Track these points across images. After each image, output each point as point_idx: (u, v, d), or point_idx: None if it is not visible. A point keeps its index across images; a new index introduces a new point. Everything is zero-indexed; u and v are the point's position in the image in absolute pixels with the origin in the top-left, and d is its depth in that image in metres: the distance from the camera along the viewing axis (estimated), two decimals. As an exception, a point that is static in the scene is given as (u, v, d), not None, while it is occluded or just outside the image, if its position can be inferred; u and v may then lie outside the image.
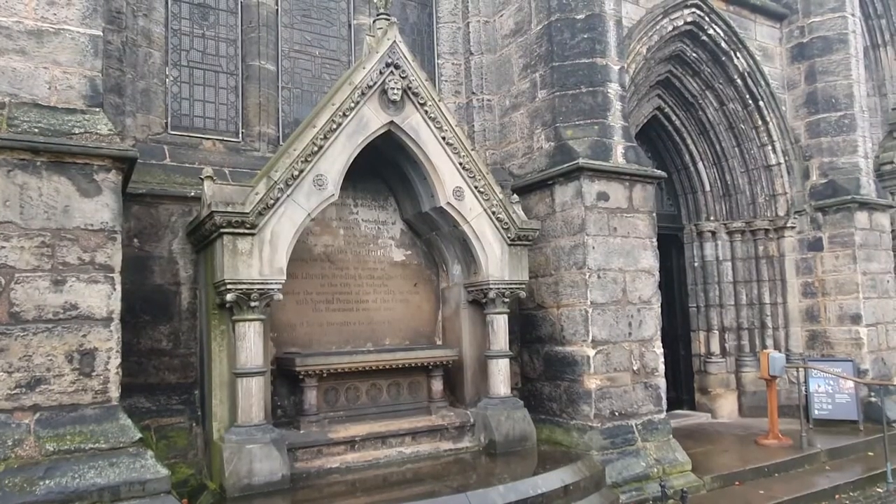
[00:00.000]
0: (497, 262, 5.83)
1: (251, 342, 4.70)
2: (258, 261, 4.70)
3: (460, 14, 7.54)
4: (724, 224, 9.50)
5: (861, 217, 8.81)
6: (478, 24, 7.46)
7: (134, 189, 5.07)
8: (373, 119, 5.28)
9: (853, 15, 8.96)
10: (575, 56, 6.51)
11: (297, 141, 4.97)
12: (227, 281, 4.60)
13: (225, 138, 6.27)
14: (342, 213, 5.97)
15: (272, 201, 4.76)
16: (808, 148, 9.11)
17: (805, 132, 9.12)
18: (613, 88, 6.53)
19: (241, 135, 6.37)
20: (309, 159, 4.95)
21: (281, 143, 6.31)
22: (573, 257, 6.28)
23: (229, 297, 4.62)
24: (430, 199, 5.76)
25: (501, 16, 7.36)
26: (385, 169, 5.97)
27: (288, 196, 4.85)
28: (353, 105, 5.13)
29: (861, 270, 8.74)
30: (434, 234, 6.14)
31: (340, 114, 5.07)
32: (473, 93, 7.45)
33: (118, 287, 4.09)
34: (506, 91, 7.30)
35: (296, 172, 4.88)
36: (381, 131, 5.35)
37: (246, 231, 4.66)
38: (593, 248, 6.21)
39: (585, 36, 6.49)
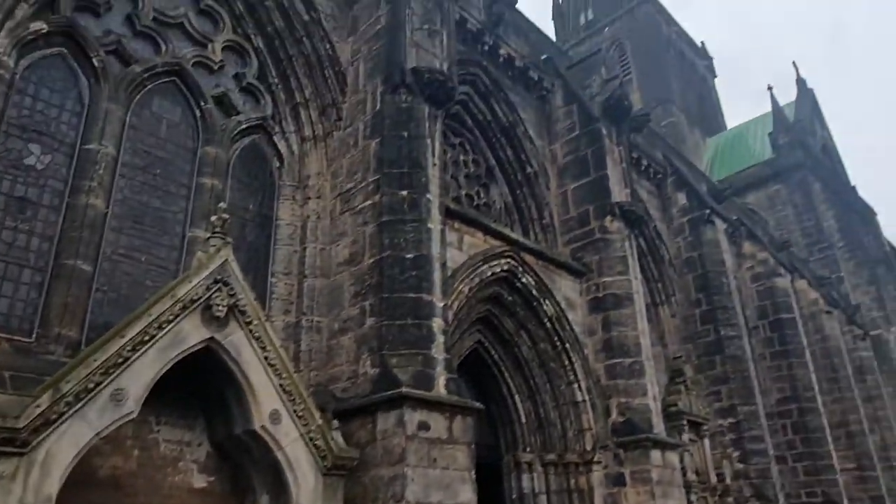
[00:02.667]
0: (310, 493, 5.45)
1: None
2: (21, 487, 3.99)
3: (298, 239, 7.89)
4: (540, 456, 9.80)
5: (656, 455, 9.55)
6: (314, 249, 7.81)
7: None
8: (192, 334, 5.07)
9: (636, 278, 10.66)
10: (403, 290, 6.94)
11: (99, 350, 4.59)
12: (-28, 513, 3.80)
13: (16, 337, 5.61)
14: (141, 431, 5.37)
15: (55, 416, 4.21)
16: (607, 388, 10.04)
17: (604, 374, 10.11)
18: (437, 323, 6.95)
19: (35, 335, 5.75)
20: (110, 371, 4.54)
21: (83, 347, 5.76)
22: (392, 489, 6.04)
23: (-30, 534, 3.79)
24: (244, 420, 5.43)
25: (338, 245, 7.81)
26: (198, 385, 5.61)
27: (76, 411, 4.32)
28: (172, 318, 4.93)
29: (660, 507, 9.24)
30: (245, 459, 5.69)
31: (156, 326, 4.83)
32: (304, 313, 7.53)
33: None
34: (335, 314, 7.46)
35: (91, 385, 4.42)
36: (199, 347, 5.13)
37: (14, 450, 4.00)
38: (413, 479, 6.05)
39: (414, 273, 7.01)
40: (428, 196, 7.47)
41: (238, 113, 7.93)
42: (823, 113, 33.08)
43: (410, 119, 7.69)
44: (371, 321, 6.98)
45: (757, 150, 29.33)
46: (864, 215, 27.60)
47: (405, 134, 7.60)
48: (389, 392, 6.33)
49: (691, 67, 37.02)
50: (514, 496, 9.61)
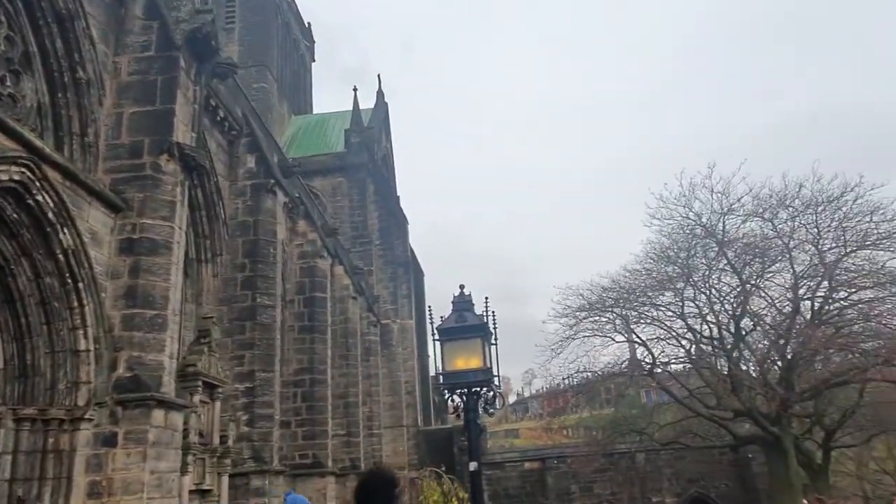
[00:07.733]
0: None
1: None
2: None
3: None
4: (14, 410, 8.19)
5: (158, 415, 9.00)
6: None
7: None
8: None
9: (180, 228, 9.91)
10: None
11: None
12: None
13: None
14: None
15: None
16: (120, 339, 9.03)
17: (120, 323, 9.08)
18: None
19: None
20: None
21: None
22: None
23: None
24: None
25: None
26: None
27: None
28: None
29: (150, 469, 8.71)
30: None
31: None
32: None
33: None
34: None
35: None
36: None
37: None
38: None
39: None
40: None
41: None
42: (391, 126, 37.94)
43: None
44: None
45: (332, 140, 31.75)
46: (399, 222, 32.47)
47: None
48: None
49: (294, 43, 37.79)
50: (-35, 457, 7.79)
